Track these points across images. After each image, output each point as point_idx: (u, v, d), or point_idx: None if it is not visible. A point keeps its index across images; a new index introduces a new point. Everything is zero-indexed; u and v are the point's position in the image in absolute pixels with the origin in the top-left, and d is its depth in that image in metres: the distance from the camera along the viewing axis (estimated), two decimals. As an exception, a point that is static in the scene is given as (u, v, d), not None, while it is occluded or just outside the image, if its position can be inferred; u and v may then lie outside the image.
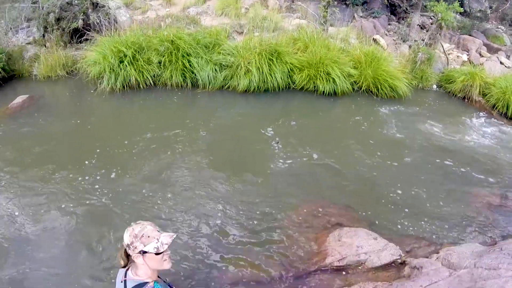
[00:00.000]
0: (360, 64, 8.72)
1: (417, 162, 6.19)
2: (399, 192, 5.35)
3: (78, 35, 8.97)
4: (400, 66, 8.97)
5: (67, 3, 8.81)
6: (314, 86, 8.36)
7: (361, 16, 11.09)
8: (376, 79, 8.51)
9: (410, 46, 10.10)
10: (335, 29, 9.72)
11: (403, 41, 10.54)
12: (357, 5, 11.32)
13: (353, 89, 8.58)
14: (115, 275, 2.57)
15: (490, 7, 12.85)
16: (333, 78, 8.24)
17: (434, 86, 9.58)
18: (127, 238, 2.24)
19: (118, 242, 4.01)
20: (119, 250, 2.36)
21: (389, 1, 11.47)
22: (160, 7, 10.86)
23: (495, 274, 3.47)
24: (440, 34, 9.78)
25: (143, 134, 6.34)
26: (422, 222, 4.78)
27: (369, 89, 8.62)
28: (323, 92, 8.26)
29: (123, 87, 7.78)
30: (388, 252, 4.00)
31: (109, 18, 8.98)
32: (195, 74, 8.18)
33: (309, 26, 9.57)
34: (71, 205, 4.72)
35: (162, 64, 8.09)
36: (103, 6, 9.07)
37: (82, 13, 8.78)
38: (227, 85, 8.29)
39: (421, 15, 11.31)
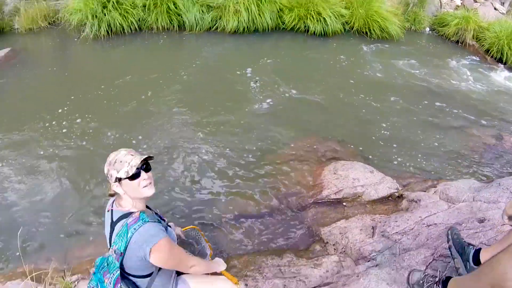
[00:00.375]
0: (352, 4, 8.35)
1: (408, 103, 6.00)
2: (391, 130, 5.20)
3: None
4: (392, 7, 8.61)
5: None
6: (305, 27, 8.02)
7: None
8: (368, 20, 8.18)
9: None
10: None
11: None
12: None
13: (345, 29, 8.26)
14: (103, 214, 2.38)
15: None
16: (324, 18, 7.89)
17: (427, 29, 9.28)
18: (105, 169, 2.04)
19: (104, 183, 3.87)
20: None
21: None
22: None
23: (494, 207, 3.38)
24: (433, -23, 9.40)
25: (124, 78, 6.08)
26: (418, 159, 4.67)
27: (361, 30, 8.31)
28: (314, 32, 7.94)
29: (107, 33, 7.39)
30: (385, 185, 3.87)
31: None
32: (182, 16, 7.77)
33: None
34: (51, 150, 4.49)
35: (147, 7, 7.62)
36: None
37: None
38: (215, 26, 7.91)
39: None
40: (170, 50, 7.38)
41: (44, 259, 3.29)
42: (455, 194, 3.70)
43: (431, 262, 2.48)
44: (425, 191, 3.93)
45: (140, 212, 2.03)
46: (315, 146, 4.63)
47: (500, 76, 7.66)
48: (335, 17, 8.02)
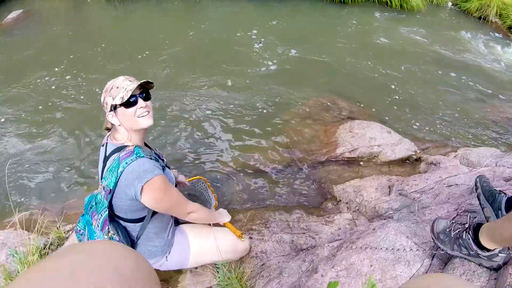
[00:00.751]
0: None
1: (424, 72, 5.77)
2: (406, 96, 4.99)
3: None
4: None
5: None
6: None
7: None
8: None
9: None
10: None
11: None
12: None
13: (365, -2, 7.95)
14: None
15: None
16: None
17: (449, 4, 8.93)
18: (101, 97, 1.80)
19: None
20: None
21: None
22: None
23: (518, 173, 3.18)
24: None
25: (126, 37, 5.99)
26: (436, 126, 4.46)
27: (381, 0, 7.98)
28: (333, -1, 7.66)
29: None
30: (403, 146, 3.67)
31: None
32: None
33: None
34: (47, 105, 4.38)
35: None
36: None
37: None
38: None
39: None
40: (182, 13, 7.18)
41: (39, 209, 3.13)
42: (477, 159, 3.50)
43: (455, 217, 2.30)
44: (444, 156, 3.73)
45: (135, 146, 1.78)
46: (329, 105, 4.43)
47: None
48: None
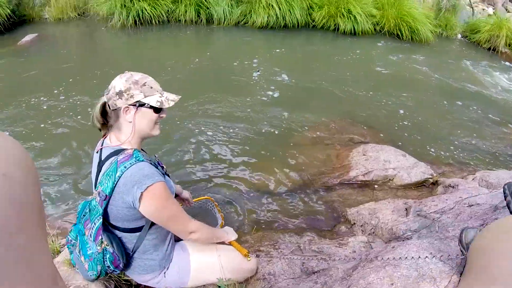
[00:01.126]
0: (383, 5, 8.17)
1: (434, 101, 5.68)
2: (417, 122, 4.89)
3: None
4: (424, 10, 8.38)
5: None
6: (335, 25, 7.90)
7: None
8: (399, 21, 7.96)
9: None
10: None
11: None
12: None
13: (375, 29, 8.06)
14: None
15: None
16: (354, 16, 7.74)
17: (459, 36, 8.98)
18: (121, 84, 1.63)
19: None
20: (93, 110, 1.75)
21: None
22: None
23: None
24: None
25: (133, 63, 6.08)
26: (451, 151, 4.31)
27: (391, 32, 8.10)
28: (344, 31, 7.81)
29: (135, 23, 7.45)
30: (419, 170, 3.52)
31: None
32: (210, 10, 7.74)
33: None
34: (44, 125, 4.33)
35: (176, -2, 7.65)
36: None
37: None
38: (243, 21, 7.87)
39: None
40: (193, 42, 7.31)
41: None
42: (496, 181, 3.34)
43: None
44: (462, 179, 3.57)
45: (134, 150, 1.67)
46: (339, 130, 4.33)
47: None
48: (366, 16, 7.86)
